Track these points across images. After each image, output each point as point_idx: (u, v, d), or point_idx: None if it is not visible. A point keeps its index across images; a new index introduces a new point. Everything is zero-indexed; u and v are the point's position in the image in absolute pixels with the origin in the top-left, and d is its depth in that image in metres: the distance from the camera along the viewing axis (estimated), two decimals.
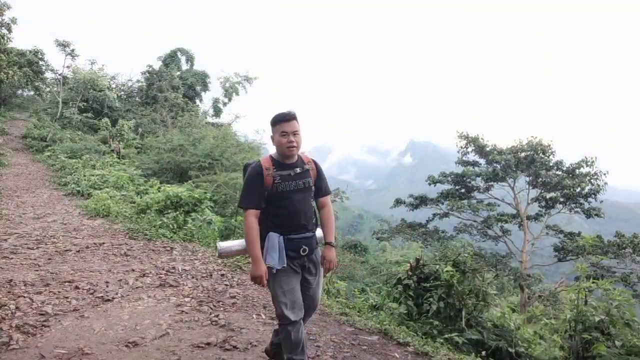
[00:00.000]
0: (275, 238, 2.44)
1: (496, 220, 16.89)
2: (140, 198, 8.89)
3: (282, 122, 2.44)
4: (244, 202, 2.44)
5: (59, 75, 24.39)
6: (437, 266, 4.86)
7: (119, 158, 15.02)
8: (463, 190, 18.11)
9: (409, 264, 5.17)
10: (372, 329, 3.79)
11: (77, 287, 4.25)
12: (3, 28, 16.61)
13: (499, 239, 17.58)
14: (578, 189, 15.82)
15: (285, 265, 2.44)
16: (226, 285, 4.67)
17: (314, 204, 2.65)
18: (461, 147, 17.98)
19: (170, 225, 6.93)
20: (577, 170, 16.26)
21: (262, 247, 2.45)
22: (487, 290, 4.72)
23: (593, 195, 15.79)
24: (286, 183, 2.46)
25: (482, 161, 17.96)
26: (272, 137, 2.50)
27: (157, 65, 29.47)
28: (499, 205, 17.48)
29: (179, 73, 30.42)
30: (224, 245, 2.68)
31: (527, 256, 16.67)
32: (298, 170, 2.51)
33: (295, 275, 2.52)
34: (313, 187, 2.60)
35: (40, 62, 23.38)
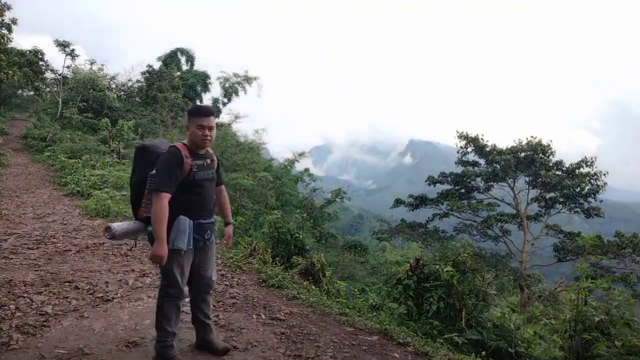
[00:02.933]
0: (186, 221, 2.59)
1: (496, 220, 16.89)
2: None
3: (201, 116, 2.61)
4: (163, 185, 2.49)
5: (59, 75, 24.36)
6: (437, 266, 4.86)
7: (119, 158, 14.99)
8: (463, 191, 18.12)
9: (409, 264, 5.18)
10: (372, 329, 3.79)
11: (77, 287, 4.24)
12: (3, 28, 16.56)
13: (499, 239, 17.57)
14: (578, 189, 15.82)
15: (190, 247, 2.64)
16: (226, 285, 4.67)
17: None
18: (461, 147, 17.98)
19: None
20: (576, 171, 16.27)
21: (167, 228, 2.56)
22: (487, 291, 4.72)
23: (593, 195, 15.80)
24: (202, 172, 2.67)
25: (482, 161, 17.95)
26: (187, 126, 2.66)
27: (157, 65, 29.52)
28: (498, 205, 17.48)
29: (179, 73, 30.43)
30: (118, 227, 2.56)
31: (527, 256, 16.66)
32: (209, 161, 2.75)
33: (191, 258, 2.74)
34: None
35: (40, 62, 23.34)
